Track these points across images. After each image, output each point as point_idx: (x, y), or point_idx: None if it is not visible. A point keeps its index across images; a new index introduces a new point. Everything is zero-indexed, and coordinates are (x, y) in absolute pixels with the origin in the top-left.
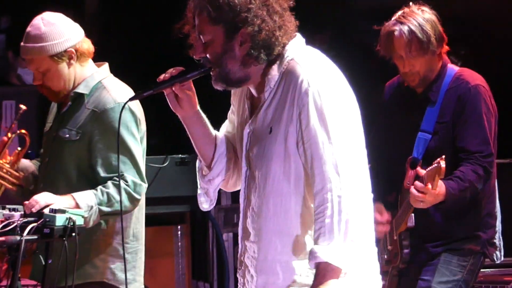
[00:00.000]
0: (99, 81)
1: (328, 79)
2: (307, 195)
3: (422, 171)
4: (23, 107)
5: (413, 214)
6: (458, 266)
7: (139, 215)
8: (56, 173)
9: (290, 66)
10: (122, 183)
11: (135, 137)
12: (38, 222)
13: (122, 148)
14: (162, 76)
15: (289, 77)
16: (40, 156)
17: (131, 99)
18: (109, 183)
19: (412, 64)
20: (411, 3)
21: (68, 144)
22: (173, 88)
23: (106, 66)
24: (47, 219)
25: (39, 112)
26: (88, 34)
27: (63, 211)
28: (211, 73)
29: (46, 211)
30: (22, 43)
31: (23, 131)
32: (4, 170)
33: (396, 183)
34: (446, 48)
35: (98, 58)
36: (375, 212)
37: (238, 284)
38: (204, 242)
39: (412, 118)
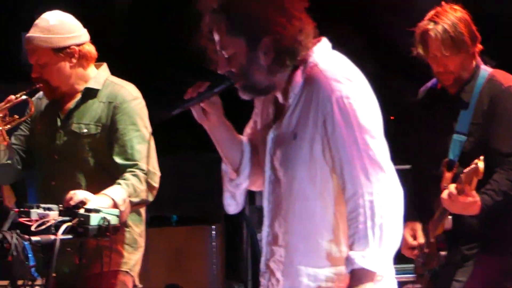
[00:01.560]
0: (106, 78)
1: (351, 84)
2: (333, 200)
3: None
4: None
5: (450, 217)
6: (493, 268)
7: (145, 212)
8: (73, 169)
9: (313, 72)
10: (140, 172)
11: (149, 129)
12: (73, 222)
13: (139, 138)
14: (189, 93)
15: (312, 83)
16: (18, 144)
17: (160, 118)
18: (128, 174)
19: (446, 64)
20: (442, 3)
21: (86, 138)
22: (201, 104)
23: (105, 66)
24: (82, 219)
25: None
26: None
27: (97, 211)
28: (236, 84)
29: (81, 210)
30: (27, 34)
31: (31, 99)
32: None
33: (433, 186)
34: (479, 47)
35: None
36: (409, 233)
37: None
38: (238, 242)
39: (446, 120)
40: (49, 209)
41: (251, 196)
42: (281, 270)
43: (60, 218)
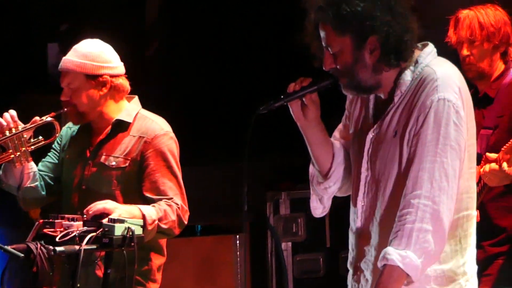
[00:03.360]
0: (138, 111)
1: (457, 91)
2: None
3: (493, 155)
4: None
5: (477, 211)
6: None
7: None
8: (99, 201)
9: (425, 72)
10: (174, 204)
11: (179, 166)
12: (97, 232)
13: (171, 175)
14: (292, 87)
15: (421, 82)
16: (44, 171)
17: (263, 108)
18: (163, 202)
19: (470, 50)
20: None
21: (115, 171)
22: (304, 99)
23: (136, 99)
24: (106, 229)
25: None
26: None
27: (121, 221)
28: (340, 82)
29: (105, 220)
30: (65, 56)
31: (57, 122)
32: (22, 145)
33: None
34: (511, 50)
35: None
36: None
37: None
38: (263, 252)
39: (475, 118)
40: (73, 219)
41: (276, 206)
42: (371, 269)
43: (85, 229)
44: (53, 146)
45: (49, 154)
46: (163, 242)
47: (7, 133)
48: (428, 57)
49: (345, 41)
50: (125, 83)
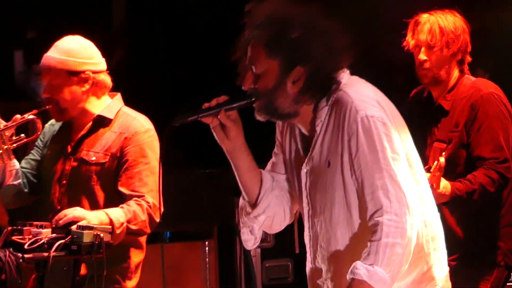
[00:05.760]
0: (120, 108)
1: (376, 104)
2: None
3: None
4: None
5: None
6: (478, 281)
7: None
8: (79, 196)
9: (338, 96)
10: (145, 203)
11: (159, 164)
12: (66, 239)
13: (148, 171)
14: (207, 104)
15: (338, 107)
16: (27, 168)
17: (174, 122)
18: (132, 202)
19: (428, 55)
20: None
21: (94, 166)
22: (219, 116)
23: (119, 96)
24: (75, 236)
25: None
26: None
27: (90, 228)
28: (254, 104)
29: (74, 227)
30: (46, 54)
31: (38, 120)
32: (3, 142)
33: None
34: (468, 59)
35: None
36: None
37: None
38: (231, 258)
39: (428, 127)
40: (42, 226)
41: None
42: None
43: (53, 236)
44: (36, 143)
45: (32, 151)
46: (143, 238)
47: None
48: (341, 79)
49: (272, 64)
50: (107, 79)
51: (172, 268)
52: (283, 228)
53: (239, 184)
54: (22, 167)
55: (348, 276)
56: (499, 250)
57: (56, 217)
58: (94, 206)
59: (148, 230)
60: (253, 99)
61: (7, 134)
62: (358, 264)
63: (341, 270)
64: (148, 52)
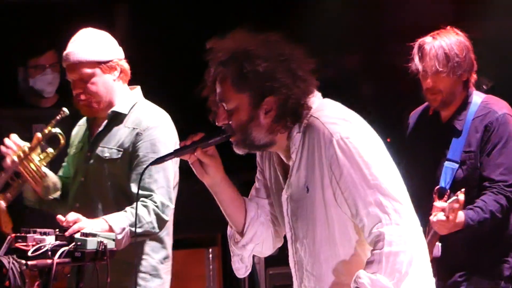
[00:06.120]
0: (136, 102)
1: (348, 124)
2: (355, 241)
3: (441, 204)
4: (65, 110)
5: (439, 244)
6: None
7: (171, 237)
8: (93, 193)
9: (309, 122)
10: (151, 203)
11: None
12: (70, 246)
13: (159, 167)
14: (183, 142)
15: (311, 132)
16: (65, 176)
17: (152, 163)
18: (138, 203)
19: (436, 81)
20: (448, 27)
21: (108, 162)
22: (196, 153)
23: (139, 88)
24: (78, 243)
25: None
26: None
27: (94, 235)
28: (231, 139)
29: (77, 234)
30: (67, 50)
31: (59, 130)
32: (33, 165)
33: (424, 213)
34: (474, 77)
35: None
36: None
37: None
38: None
39: (438, 147)
40: (45, 233)
41: None
42: None
43: (57, 243)
44: (67, 150)
45: (66, 158)
46: (164, 234)
47: (15, 158)
48: (311, 105)
49: (242, 98)
50: (127, 66)
51: (176, 276)
52: (274, 250)
53: (225, 215)
54: (60, 176)
55: (352, 285)
56: (508, 264)
57: (65, 222)
58: (107, 203)
59: (157, 230)
60: (228, 134)
61: (37, 155)
62: (361, 273)
63: None
64: (150, 59)
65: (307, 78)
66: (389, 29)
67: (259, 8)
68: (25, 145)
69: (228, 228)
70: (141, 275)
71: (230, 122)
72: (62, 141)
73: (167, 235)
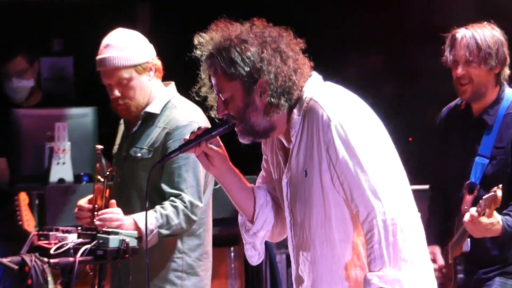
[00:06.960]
0: (168, 100)
1: (348, 109)
2: (353, 227)
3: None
4: (99, 147)
5: (468, 239)
6: None
7: (210, 233)
8: (130, 193)
9: (309, 106)
10: (180, 203)
11: None
12: (92, 244)
13: (188, 166)
14: (187, 137)
15: (310, 116)
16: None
17: (158, 162)
18: (167, 204)
19: (466, 70)
20: (485, 22)
21: (140, 162)
22: (200, 147)
23: (173, 85)
24: (101, 241)
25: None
26: None
27: (116, 233)
28: (235, 128)
29: (100, 233)
30: (100, 56)
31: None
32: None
33: (453, 208)
34: (507, 72)
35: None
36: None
37: None
38: (257, 264)
39: (468, 142)
40: (67, 231)
41: None
42: None
43: (79, 241)
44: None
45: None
46: (201, 230)
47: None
48: (311, 88)
49: (235, 86)
50: (160, 63)
51: None
52: (285, 236)
53: (234, 204)
54: None
55: None
56: None
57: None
58: (143, 203)
59: (187, 228)
60: (230, 124)
61: (105, 176)
62: (368, 275)
63: (320, 279)
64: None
65: (297, 57)
66: (412, 30)
67: (279, 10)
68: (89, 206)
69: (239, 216)
70: (176, 273)
71: (229, 112)
72: (111, 169)
73: (205, 231)
